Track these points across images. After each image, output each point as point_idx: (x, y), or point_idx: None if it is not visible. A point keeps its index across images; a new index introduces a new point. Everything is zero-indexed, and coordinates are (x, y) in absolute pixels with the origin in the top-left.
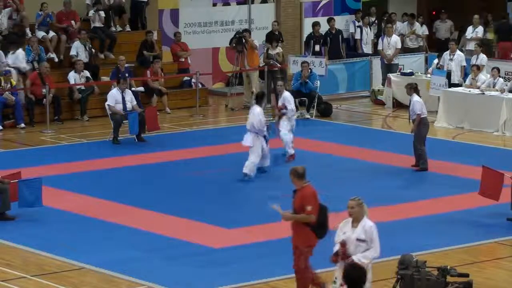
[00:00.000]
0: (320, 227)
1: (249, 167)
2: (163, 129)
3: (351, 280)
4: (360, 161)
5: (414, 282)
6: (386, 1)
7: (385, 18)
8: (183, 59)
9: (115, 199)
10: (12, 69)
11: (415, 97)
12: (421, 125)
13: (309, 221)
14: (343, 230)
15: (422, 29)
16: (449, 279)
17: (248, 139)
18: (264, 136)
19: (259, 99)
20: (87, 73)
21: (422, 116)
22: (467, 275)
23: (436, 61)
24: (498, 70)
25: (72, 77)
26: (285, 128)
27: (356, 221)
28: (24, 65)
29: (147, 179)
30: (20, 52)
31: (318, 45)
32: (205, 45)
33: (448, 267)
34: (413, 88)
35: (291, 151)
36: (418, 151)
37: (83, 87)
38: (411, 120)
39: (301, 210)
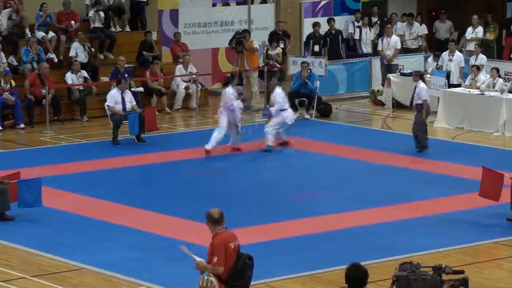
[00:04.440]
0: (237, 279)
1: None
2: (162, 129)
3: (354, 280)
4: (360, 161)
5: (410, 283)
6: (386, 1)
7: (386, 19)
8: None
9: (115, 199)
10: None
11: (422, 84)
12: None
13: (216, 273)
14: None
15: (421, 28)
16: (445, 277)
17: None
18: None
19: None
20: (84, 73)
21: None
22: (462, 272)
23: (430, 59)
24: (498, 70)
25: (69, 77)
26: (271, 124)
27: None
28: None
29: (147, 179)
30: None
31: (317, 45)
32: (205, 45)
33: (443, 265)
34: (419, 75)
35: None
36: (419, 133)
37: (81, 88)
38: (414, 104)
39: (210, 260)
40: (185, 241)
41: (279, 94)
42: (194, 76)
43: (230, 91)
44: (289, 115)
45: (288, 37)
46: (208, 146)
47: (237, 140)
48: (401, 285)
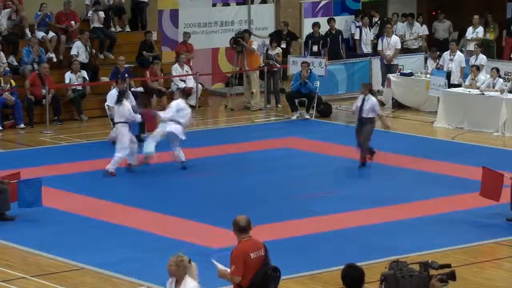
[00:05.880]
0: None
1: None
2: None
3: (351, 280)
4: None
5: (398, 280)
6: (386, 1)
7: (386, 19)
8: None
9: (115, 199)
10: None
11: (373, 97)
12: (374, 124)
13: (233, 283)
14: None
15: (422, 29)
16: (432, 272)
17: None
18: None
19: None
20: (84, 74)
21: None
22: (449, 266)
23: (431, 61)
24: (498, 70)
25: (68, 77)
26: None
27: (178, 282)
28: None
29: (147, 179)
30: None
31: (316, 45)
32: (205, 45)
33: (430, 261)
34: (369, 89)
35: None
36: (368, 146)
37: (79, 88)
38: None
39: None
40: (185, 241)
41: (177, 104)
42: (194, 76)
43: (128, 106)
44: (178, 128)
45: (295, 39)
46: (111, 168)
47: (133, 157)
48: (390, 284)
